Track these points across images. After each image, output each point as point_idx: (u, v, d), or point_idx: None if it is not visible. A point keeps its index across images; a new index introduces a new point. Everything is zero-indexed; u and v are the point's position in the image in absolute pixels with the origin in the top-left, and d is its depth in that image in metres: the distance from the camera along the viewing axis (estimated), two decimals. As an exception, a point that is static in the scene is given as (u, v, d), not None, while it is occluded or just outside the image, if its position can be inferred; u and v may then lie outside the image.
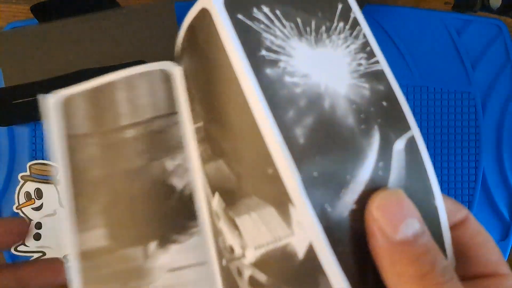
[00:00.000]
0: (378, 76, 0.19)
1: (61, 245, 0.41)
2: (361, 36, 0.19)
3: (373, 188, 0.17)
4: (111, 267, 0.23)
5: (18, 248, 0.41)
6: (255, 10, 0.18)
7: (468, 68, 0.41)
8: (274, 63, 0.18)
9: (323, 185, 0.17)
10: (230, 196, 0.19)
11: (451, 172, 0.38)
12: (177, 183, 0.23)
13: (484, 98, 0.40)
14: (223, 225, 0.20)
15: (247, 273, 0.19)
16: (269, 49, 0.18)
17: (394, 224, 0.16)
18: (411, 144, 0.18)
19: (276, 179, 0.17)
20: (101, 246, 0.23)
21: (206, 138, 0.21)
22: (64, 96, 0.24)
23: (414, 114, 0.38)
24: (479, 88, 0.40)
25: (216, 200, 0.20)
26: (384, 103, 0.18)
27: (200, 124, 0.21)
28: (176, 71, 0.24)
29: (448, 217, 0.18)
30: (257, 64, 0.18)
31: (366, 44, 0.19)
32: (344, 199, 0.17)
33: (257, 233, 0.18)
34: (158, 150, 0.24)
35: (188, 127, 0.23)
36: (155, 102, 0.24)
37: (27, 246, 0.41)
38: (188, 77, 0.22)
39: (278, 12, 0.19)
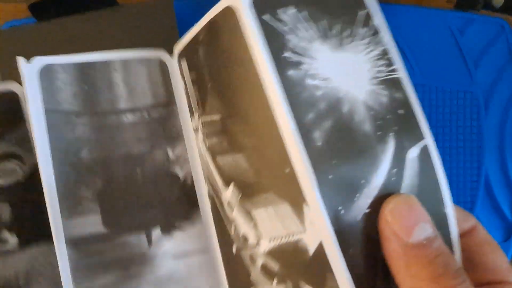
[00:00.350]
0: (396, 83, 0.19)
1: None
2: (382, 43, 0.20)
3: (386, 193, 0.18)
4: (108, 253, 0.23)
5: None
6: (281, 11, 0.19)
7: (470, 67, 0.40)
8: (297, 65, 0.19)
9: (337, 188, 0.18)
10: (248, 189, 0.20)
11: (453, 172, 0.38)
12: (179, 172, 0.24)
13: (487, 97, 0.40)
14: (237, 215, 0.21)
15: (260, 261, 0.20)
16: (292, 51, 0.19)
17: (407, 228, 0.17)
18: (425, 153, 0.19)
19: (292, 179, 0.18)
20: (96, 232, 0.23)
21: (223, 131, 0.22)
22: (44, 65, 0.23)
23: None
24: (482, 87, 0.40)
25: (231, 191, 0.21)
26: (401, 111, 0.19)
27: (217, 117, 0.22)
28: (173, 63, 0.24)
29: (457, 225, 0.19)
30: (281, 65, 0.19)
31: (386, 51, 0.20)
32: (358, 203, 0.18)
33: (272, 226, 0.19)
34: (160, 138, 0.24)
35: (186, 118, 0.24)
36: (154, 90, 0.25)
37: None
38: (201, 70, 0.23)
39: (304, 14, 0.19)
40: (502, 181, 0.38)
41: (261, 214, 0.20)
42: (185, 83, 0.24)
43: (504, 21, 0.40)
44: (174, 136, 0.24)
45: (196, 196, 0.24)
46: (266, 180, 0.19)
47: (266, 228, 0.20)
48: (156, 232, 0.23)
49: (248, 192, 0.20)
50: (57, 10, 0.28)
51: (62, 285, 0.22)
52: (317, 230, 0.18)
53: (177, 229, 0.24)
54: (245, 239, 0.21)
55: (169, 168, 0.24)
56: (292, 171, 0.18)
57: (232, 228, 0.22)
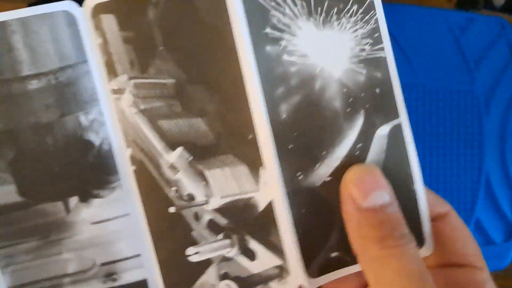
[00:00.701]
0: (379, 63, 0.21)
1: None
2: (372, 22, 0.21)
3: (349, 163, 0.21)
4: (28, 222, 0.23)
5: None
6: None
7: (471, 66, 0.40)
8: (276, 41, 0.20)
9: (297, 157, 0.21)
10: (202, 151, 0.22)
11: (454, 171, 0.38)
12: (94, 138, 0.23)
13: (488, 96, 0.40)
14: (182, 176, 0.22)
15: (207, 217, 0.22)
16: (274, 27, 0.19)
17: (364, 193, 0.18)
18: (396, 131, 0.21)
19: (253, 144, 0.21)
20: (13, 201, 0.23)
21: (177, 96, 0.22)
22: None
23: (416, 112, 0.38)
24: (482, 86, 0.40)
25: (177, 154, 0.22)
26: (377, 90, 0.21)
27: (169, 80, 0.21)
28: (83, 13, 0.22)
29: (430, 209, 0.20)
30: (259, 41, 0.19)
31: (375, 30, 0.21)
32: (319, 171, 0.21)
33: (226, 185, 0.22)
34: (69, 104, 0.23)
35: (102, 78, 0.23)
36: (60, 50, 0.22)
37: None
38: (146, 31, 0.21)
39: None
40: (503, 181, 0.38)
41: (216, 174, 0.22)
42: (104, 40, 0.22)
43: (505, 21, 0.41)
44: (86, 99, 0.23)
45: (114, 161, 0.23)
46: (226, 144, 0.21)
47: (219, 187, 0.22)
48: (74, 200, 0.23)
49: (202, 154, 0.22)
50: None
51: None
52: (269, 190, 0.21)
53: (95, 197, 0.23)
54: (191, 198, 0.22)
55: (82, 135, 0.23)
56: (254, 137, 0.20)
57: (173, 189, 0.22)
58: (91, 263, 0.23)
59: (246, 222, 0.21)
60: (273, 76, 0.20)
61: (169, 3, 0.21)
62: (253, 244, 0.22)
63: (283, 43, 0.20)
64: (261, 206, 0.21)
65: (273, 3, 0.19)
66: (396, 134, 0.21)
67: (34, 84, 0.22)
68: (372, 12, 0.21)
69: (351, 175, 0.19)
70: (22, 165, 0.22)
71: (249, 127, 0.20)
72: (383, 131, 0.21)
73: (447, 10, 0.42)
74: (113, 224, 0.23)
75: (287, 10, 0.20)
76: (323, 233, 0.21)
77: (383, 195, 0.18)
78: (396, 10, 0.40)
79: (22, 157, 0.22)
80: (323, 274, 0.21)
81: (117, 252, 0.23)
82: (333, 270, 0.21)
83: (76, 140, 0.22)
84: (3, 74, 0.22)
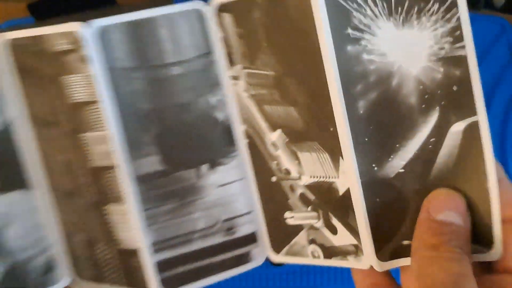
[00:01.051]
0: (459, 61, 0.21)
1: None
2: (454, 20, 0.21)
3: (422, 157, 0.22)
4: (168, 188, 0.28)
5: None
6: None
7: None
8: (356, 41, 0.21)
9: (372, 149, 0.23)
10: (296, 135, 0.25)
11: None
12: (220, 115, 0.28)
13: (488, 97, 0.37)
14: (281, 153, 0.26)
15: (299, 190, 0.26)
16: (355, 28, 0.21)
17: (440, 209, 0.21)
18: (472, 128, 0.21)
19: (334, 136, 0.23)
20: (156, 170, 0.28)
21: (276, 86, 0.25)
22: (101, 27, 0.26)
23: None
24: (482, 86, 0.38)
25: (277, 135, 0.26)
26: (455, 88, 0.21)
27: (271, 73, 0.25)
28: (211, 13, 0.26)
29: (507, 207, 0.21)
30: (341, 41, 0.21)
31: (456, 28, 0.21)
32: (392, 163, 0.23)
33: (314, 167, 0.25)
34: (202, 87, 0.28)
35: (223, 66, 0.27)
36: (195, 42, 0.27)
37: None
38: (254, 29, 0.25)
39: None
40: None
41: (306, 156, 0.25)
42: (224, 34, 0.26)
43: (505, 21, 0.39)
44: (213, 83, 0.27)
45: (233, 135, 0.28)
46: (313, 133, 0.24)
47: (308, 167, 0.25)
48: (204, 168, 0.28)
49: (295, 138, 0.25)
50: (56, 9, 0.29)
51: (133, 215, 0.27)
52: (347, 179, 0.23)
53: (220, 164, 0.28)
54: (287, 172, 0.26)
55: (211, 112, 0.28)
56: (335, 130, 0.23)
57: (274, 162, 0.27)
58: (216, 220, 0.28)
59: (329, 202, 0.25)
60: (352, 74, 0.21)
61: (268, 5, 0.24)
62: (335, 221, 0.25)
63: (363, 42, 0.21)
64: (341, 191, 0.24)
65: (354, 5, 0.21)
66: (472, 131, 0.21)
67: (176, 70, 0.27)
68: (454, 9, 0.20)
69: (437, 192, 0.21)
70: (164, 139, 0.27)
71: (330, 120, 0.23)
72: (458, 127, 0.21)
73: None
74: (233, 186, 0.29)
75: (368, 11, 0.21)
76: (395, 221, 0.23)
77: (456, 217, 0.20)
78: None
79: (165, 132, 0.27)
80: (393, 259, 0.23)
81: (236, 210, 0.28)
82: (403, 257, 0.23)
83: (207, 117, 0.28)
84: (152, 61, 0.26)
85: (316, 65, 0.22)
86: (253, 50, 0.25)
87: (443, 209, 0.20)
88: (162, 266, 0.27)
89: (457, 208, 0.20)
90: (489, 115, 0.38)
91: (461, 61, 0.21)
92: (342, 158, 0.23)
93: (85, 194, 0.28)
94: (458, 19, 0.21)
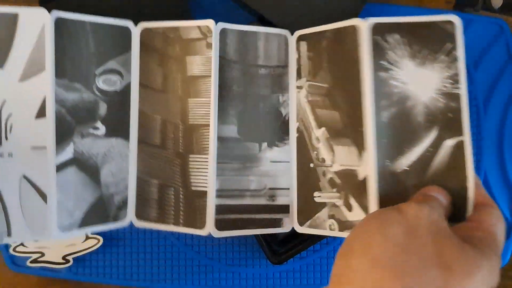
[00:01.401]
0: (455, 97, 0.31)
1: (58, 245, 0.44)
2: (454, 68, 0.31)
3: (422, 160, 0.31)
4: (237, 151, 0.38)
5: (17, 249, 0.43)
6: (388, 35, 0.32)
7: (469, 68, 0.41)
8: (387, 70, 0.32)
9: (388, 149, 0.32)
10: (335, 133, 0.35)
11: None
12: (283, 111, 0.38)
13: (486, 97, 0.41)
14: (321, 146, 0.35)
15: (329, 175, 0.35)
16: (387, 61, 0.32)
17: (431, 190, 0.29)
18: (459, 145, 0.30)
19: (362, 135, 0.33)
20: (233, 136, 0.38)
21: (327, 95, 0.36)
22: (222, 27, 0.37)
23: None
24: (481, 87, 0.40)
25: (321, 132, 0.35)
26: (450, 114, 0.31)
27: (325, 85, 0.36)
28: (292, 40, 0.38)
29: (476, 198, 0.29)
30: (377, 68, 0.32)
31: (456, 74, 0.31)
32: (401, 161, 0.31)
33: (344, 158, 0.34)
34: (276, 87, 0.38)
35: (292, 77, 0.37)
36: (279, 55, 0.39)
37: (25, 246, 0.44)
38: (320, 53, 0.36)
39: (403, 39, 0.32)
40: (501, 181, 0.40)
41: (339, 149, 0.35)
42: (298, 55, 0.37)
43: (503, 22, 0.41)
44: (284, 87, 0.38)
45: (288, 128, 0.38)
46: (348, 131, 0.34)
47: (339, 158, 0.34)
48: (264, 144, 0.38)
49: (334, 135, 0.35)
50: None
51: (210, 164, 0.36)
52: (367, 168, 0.32)
53: (276, 146, 0.38)
54: (323, 160, 0.35)
55: (278, 107, 0.38)
56: (363, 130, 0.32)
57: (315, 153, 0.36)
58: (264, 186, 0.37)
59: (350, 185, 0.33)
60: (381, 92, 0.31)
61: (333, 37, 0.34)
62: (352, 201, 0.33)
63: (391, 72, 0.31)
64: (360, 177, 0.33)
65: (390, 45, 0.31)
66: (459, 147, 0.30)
67: (262, 71, 0.38)
68: (455, 62, 0.30)
69: (430, 186, 0.30)
70: (243, 115, 0.37)
71: (361, 123, 0.32)
72: (450, 142, 0.30)
73: (445, 11, 0.41)
74: (281, 165, 0.38)
75: (398, 52, 0.31)
76: (397, 204, 0.30)
77: (442, 196, 0.29)
78: (395, 11, 0.42)
79: (245, 111, 0.37)
80: None
81: (279, 183, 0.37)
82: None
83: (275, 110, 0.38)
84: (249, 60, 0.37)
85: (357, 83, 0.32)
86: (316, 68, 0.35)
87: (433, 191, 0.29)
88: (219, 209, 0.35)
89: (442, 192, 0.29)
90: (487, 116, 0.41)
91: (457, 97, 0.31)
92: (366, 152, 0.32)
93: (171, 146, 0.37)
94: (457, 69, 0.30)
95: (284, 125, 0.37)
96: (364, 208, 0.32)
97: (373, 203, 0.31)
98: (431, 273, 0.23)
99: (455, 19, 0.31)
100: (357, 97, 0.32)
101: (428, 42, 0.31)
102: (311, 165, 0.36)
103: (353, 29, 0.33)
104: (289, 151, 0.37)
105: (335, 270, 0.26)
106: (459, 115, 0.30)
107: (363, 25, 0.33)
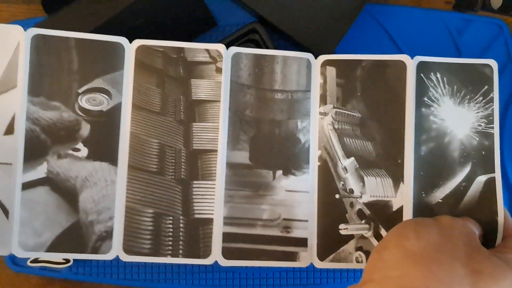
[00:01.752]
0: (489, 136, 0.37)
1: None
2: (490, 109, 0.37)
3: (455, 194, 0.34)
4: (248, 178, 0.37)
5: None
6: (432, 74, 0.37)
7: None
8: (428, 106, 0.36)
9: (424, 181, 0.36)
10: (366, 163, 0.37)
11: None
12: (302, 138, 0.38)
13: None
14: (349, 176, 0.37)
15: (358, 206, 0.37)
16: (429, 98, 0.36)
17: (466, 221, 0.36)
18: (491, 181, 0.36)
19: (401, 167, 0.37)
20: (244, 163, 0.37)
21: (360, 125, 0.38)
22: (235, 51, 0.38)
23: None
24: None
25: (350, 161, 0.37)
26: (483, 152, 0.37)
27: (357, 114, 0.38)
28: (316, 64, 0.39)
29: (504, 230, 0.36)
30: (419, 104, 0.36)
31: (490, 115, 0.37)
32: (435, 194, 0.35)
33: (375, 189, 0.37)
34: (294, 113, 0.38)
35: (315, 103, 0.38)
36: (298, 80, 0.39)
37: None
38: (352, 81, 0.38)
39: (445, 79, 0.38)
40: (501, 182, 0.41)
41: (371, 180, 0.37)
42: (324, 81, 0.38)
43: (503, 22, 0.43)
44: (304, 113, 0.38)
45: (309, 155, 0.38)
46: (382, 162, 0.37)
47: (370, 189, 0.37)
48: (279, 172, 0.38)
49: (366, 165, 0.37)
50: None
51: (218, 190, 0.36)
52: (403, 199, 0.36)
53: (292, 174, 0.39)
54: (351, 191, 0.37)
55: (296, 133, 0.38)
56: (402, 162, 0.37)
57: (341, 183, 0.37)
58: (278, 216, 0.37)
59: (381, 216, 0.36)
60: (422, 127, 0.36)
61: (371, 68, 0.38)
62: (383, 231, 0.36)
63: (432, 108, 0.36)
64: (394, 208, 0.36)
65: (432, 84, 0.36)
66: (489, 183, 0.35)
67: (279, 95, 0.38)
68: (491, 103, 0.35)
69: (465, 217, 0.35)
70: (256, 142, 0.37)
71: (400, 155, 0.36)
72: (482, 178, 0.35)
73: (445, 11, 0.43)
74: (297, 195, 0.38)
75: (439, 90, 0.36)
76: None
77: (474, 226, 0.33)
78: (394, 11, 0.44)
79: (258, 137, 0.37)
80: None
81: (295, 214, 0.37)
82: None
83: (292, 136, 0.38)
84: (264, 84, 0.38)
85: (399, 115, 0.37)
86: (347, 96, 0.38)
87: (468, 221, 0.34)
88: (227, 237, 0.35)
89: (476, 224, 0.34)
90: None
91: (490, 136, 0.36)
92: (403, 183, 0.36)
93: (170, 172, 0.35)
94: (492, 109, 0.36)
95: (302, 152, 0.37)
96: None
97: None
98: (461, 272, 0.26)
99: (493, 64, 0.36)
100: (397, 129, 0.36)
101: (467, 83, 0.36)
102: (337, 196, 0.37)
103: (400, 64, 0.37)
104: (307, 180, 0.36)
105: (368, 263, 0.28)
106: (491, 153, 0.36)
107: (411, 62, 0.37)
